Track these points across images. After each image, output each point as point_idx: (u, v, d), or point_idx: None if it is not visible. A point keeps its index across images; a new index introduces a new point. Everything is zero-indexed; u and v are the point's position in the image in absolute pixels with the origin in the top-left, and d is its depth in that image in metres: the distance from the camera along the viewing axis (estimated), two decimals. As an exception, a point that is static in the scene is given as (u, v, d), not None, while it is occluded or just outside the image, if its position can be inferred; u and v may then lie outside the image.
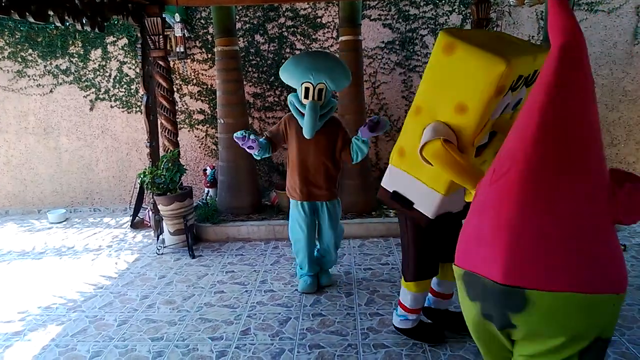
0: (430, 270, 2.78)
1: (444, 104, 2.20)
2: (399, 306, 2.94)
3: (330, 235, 3.65)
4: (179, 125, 5.78)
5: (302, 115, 3.27)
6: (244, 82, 5.53)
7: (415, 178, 2.44)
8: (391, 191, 2.60)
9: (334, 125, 3.45)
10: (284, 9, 5.80)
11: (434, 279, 2.95)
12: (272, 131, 3.53)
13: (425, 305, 3.07)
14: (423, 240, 2.70)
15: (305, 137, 3.27)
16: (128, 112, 6.12)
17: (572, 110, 1.50)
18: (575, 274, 1.56)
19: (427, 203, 2.43)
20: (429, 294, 3.05)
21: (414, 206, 2.49)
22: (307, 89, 3.22)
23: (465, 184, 2.10)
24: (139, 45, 4.42)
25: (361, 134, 3.31)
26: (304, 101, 3.26)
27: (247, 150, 3.35)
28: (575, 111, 1.50)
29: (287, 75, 3.34)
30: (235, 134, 3.35)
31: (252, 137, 3.29)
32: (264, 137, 3.46)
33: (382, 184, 2.67)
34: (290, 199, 3.60)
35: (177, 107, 5.87)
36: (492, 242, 1.65)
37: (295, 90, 3.41)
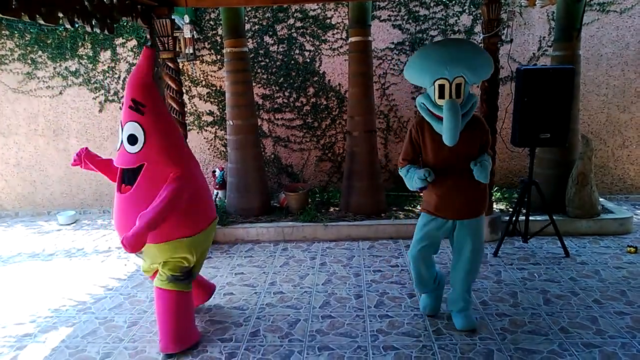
0: None
1: None
2: None
3: (466, 270, 3.02)
4: (188, 127, 5.79)
5: (437, 118, 2.76)
6: (253, 84, 5.53)
7: None
8: None
9: (476, 126, 2.86)
10: (293, 10, 5.79)
11: None
12: (408, 152, 2.96)
13: None
14: None
15: (447, 144, 2.72)
16: (137, 114, 6.13)
17: None
18: None
19: None
20: None
21: None
22: (441, 87, 2.69)
23: None
24: (148, 47, 4.44)
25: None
26: (439, 102, 2.72)
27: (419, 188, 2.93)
28: None
29: (414, 73, 2.83)
30: (420, 184, 2.85)
31: (429, 178, 2.81)
32: (420, 168, 2.89)
33: None
34: (426, 215, 3.02)
35: (186, 109, 5.89)
36: None
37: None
